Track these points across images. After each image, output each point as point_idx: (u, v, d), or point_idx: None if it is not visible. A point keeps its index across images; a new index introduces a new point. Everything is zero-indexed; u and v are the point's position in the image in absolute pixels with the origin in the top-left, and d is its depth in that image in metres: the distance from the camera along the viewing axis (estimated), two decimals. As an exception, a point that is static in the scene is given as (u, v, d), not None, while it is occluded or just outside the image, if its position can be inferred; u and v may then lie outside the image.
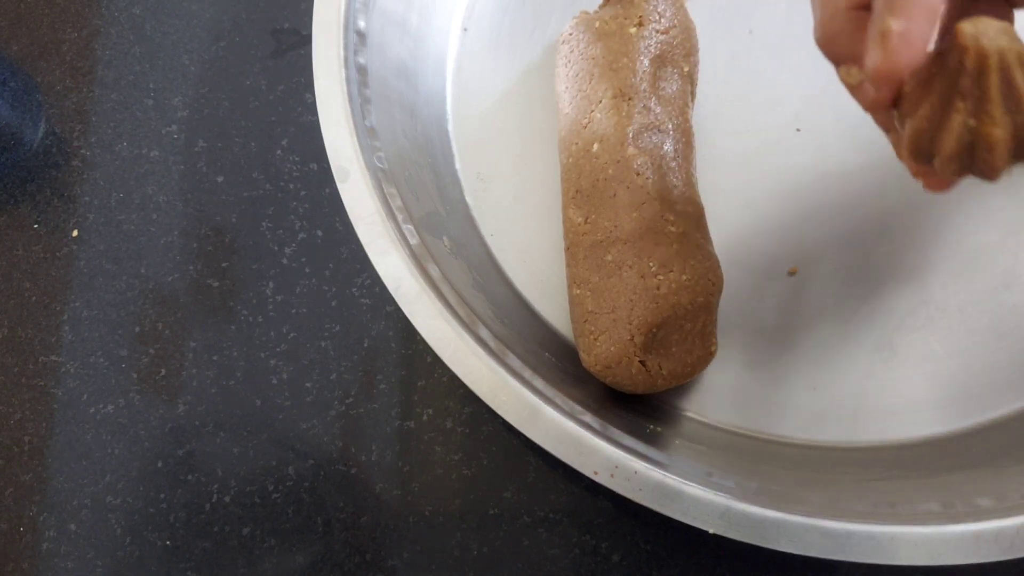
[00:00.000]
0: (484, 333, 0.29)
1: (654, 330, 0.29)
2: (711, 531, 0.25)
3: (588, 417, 0.27)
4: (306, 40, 0.41)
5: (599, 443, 0.26)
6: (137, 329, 0.38)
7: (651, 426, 0.31)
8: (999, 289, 0.34)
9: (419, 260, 0.29)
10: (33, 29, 0.42)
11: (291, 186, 0.39)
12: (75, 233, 0.39)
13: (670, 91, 0.32)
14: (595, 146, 0.31)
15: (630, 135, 0.30)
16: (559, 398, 0.28)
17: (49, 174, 0.40)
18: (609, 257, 0.30)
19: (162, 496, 0.36)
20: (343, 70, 0.31)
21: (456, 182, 0.37)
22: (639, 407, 0.33)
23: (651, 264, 0.29)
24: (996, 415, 0.33)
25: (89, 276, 0.39)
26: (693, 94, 0.34)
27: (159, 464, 0.36)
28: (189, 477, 0.36)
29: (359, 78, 0.31)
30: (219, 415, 0.36)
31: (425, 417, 0.36)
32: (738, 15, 0.38)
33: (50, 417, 0.37)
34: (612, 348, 0.29)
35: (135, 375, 0.37)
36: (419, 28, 0.37)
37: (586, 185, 0.31)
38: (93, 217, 0.39)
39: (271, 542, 0.35)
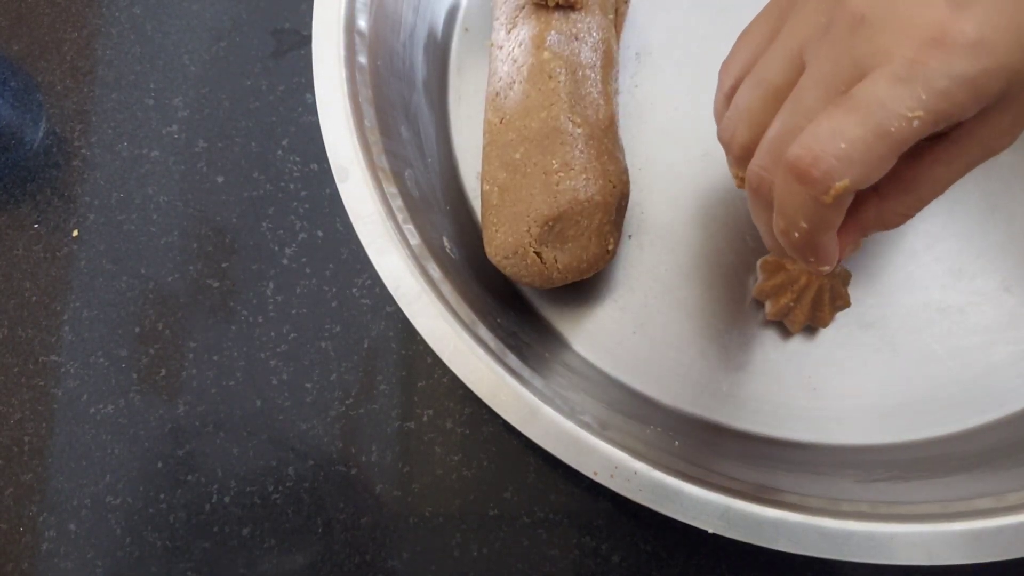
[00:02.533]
0: (484, 333, 0.29)
1: (550, 223, 0.30)
2: (711, 531, 0.25)
3: (588, 417, 0.27)
4: (306, 40, 0.41)
5: (599, 443, 0.26)
6: (137, 329, 0.38)
7: (651, 427, 0.31)
8: (999, 290, 0.34)
9: (419, 260, 0.29)
10: (33, 29, 0.42)
11: (291, 186, 0.39)
12: (75, 233, 0.39)
13: (595, 7, 0.33)
14: (515, 50, 0.32)
15: (548, 40, 0.32)
16: (559, 398, 0.28)
17: (49, 174, 0.40)
18: (517, 155, 0.31)
19: (162, 496, 0.36)
20: (343, 70, 0.31)
21: (457, 182, 0.37)
22: (644, 410, 0.33)
23: (553, 162, 0.30)
24: (996, 416, 0.33)
25: (89, 276, 0.39)
26: (623, 13, 0.36)
27: (159, 464, 0.36)
28: (189, 477, 0.36)
29: (359, 78, 0.31)
30: (219, 415, 0.36)
31: (425, 418, 0.36)
32: (739, 16, 0.38)
33: (50, 417, 0.37)
34: (510, 239, 0.31)
35: (135, 375, 0.37)
36: (419, 28, 0.37)
37: (503, 87, 0.32)
38: (93, 217, 0.39)
39: (271, 542, 0.35)
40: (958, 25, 0.19)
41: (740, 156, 0.25)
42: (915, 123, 0.20)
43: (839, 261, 0.26)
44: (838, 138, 0.21)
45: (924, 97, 0.20)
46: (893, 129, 0.20)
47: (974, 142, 0.22)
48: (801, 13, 0.23)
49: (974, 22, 0.19)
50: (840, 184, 0.21)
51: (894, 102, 0.20)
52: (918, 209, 0.25)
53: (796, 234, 0.23)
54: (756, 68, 0.24)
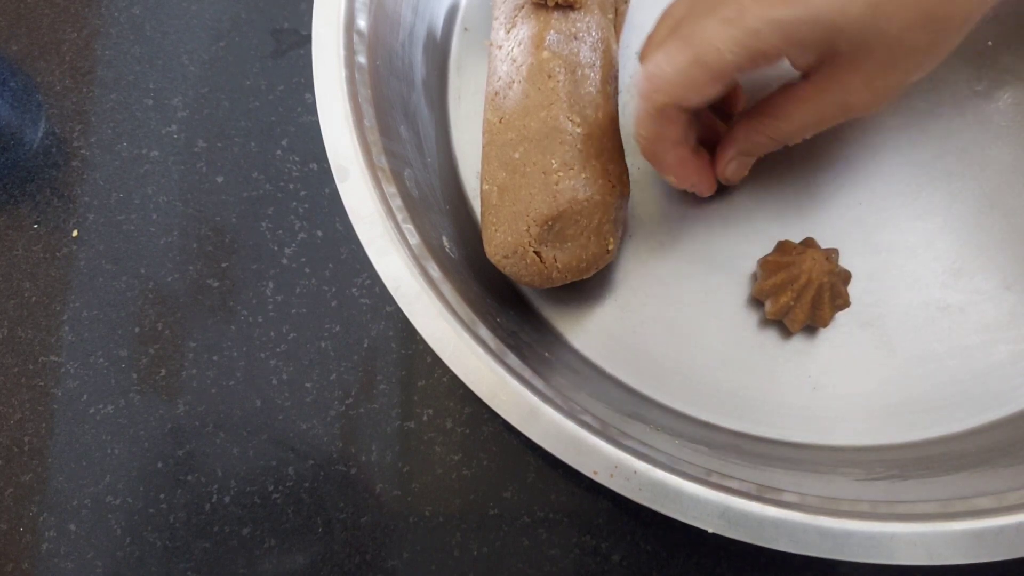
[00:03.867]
0: (484, 333, 0.28)
1: (549, 223, 0.30)
2: (711, 531, 0.25)
3: (588, 417, 0.27)
4: (306, 40, 0.41)
5: (599, 443, 0.26)
6: (137, 329, 0.38)
7: (651, 427, 0.31)
8: (999, 289, 0.34)
9: (419, 260, 0.29)
10: (33, 29, 0.42)
11: (291, 186, 0.39)
12: (75, 233, 0.39)
13: (595, 6, 0.33)
14: (515, 49, 0.32)
15: (547, 39, 0.32)
16: (559, 398, 0.28)
17: (49, 174, 0.40)
18: (516, 155, 0.31)
19: (162, 496, 0.36)
20: (343, 70, 0.31)
21: (456, 181, 0.37)
22: (644, 409, 0.33)
23: (553, 162, 0.30)
24: (996, 415, 0.33)
25: (89, 276, 0.39)
26: (623, 13, 0.36)
27: (159, 464, 0.36)
28: (189, 477, 0.36)
29: (359, 78, 0.31)
30: (219, 415, 0.36)
31: (425, 417, 0.36)
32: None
33: (50, 417, 0.37)
34: (509, 238, 0.31)
35: (135, 375, 0.37)
36: (418, 28, 0.37)
37: (503, 87, 0.32)
38: (93, 217, 0.39)
39: (271, 542, 0.35)
40: None
41: None
42: (728, 56, 0.25)
43: (728, 181, 0.32)
44: (665, 63, 0.26)
45: (739, 35, 0.25)
46: (707, 59, 0.25)
47: (828, 94, 0.27)
48: None
49: None
50: (660, 99, 0.27)
51: (713, 38, 0.25)
52: (780, 141, 0.30)
53: (642, 142, 0.29)
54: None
